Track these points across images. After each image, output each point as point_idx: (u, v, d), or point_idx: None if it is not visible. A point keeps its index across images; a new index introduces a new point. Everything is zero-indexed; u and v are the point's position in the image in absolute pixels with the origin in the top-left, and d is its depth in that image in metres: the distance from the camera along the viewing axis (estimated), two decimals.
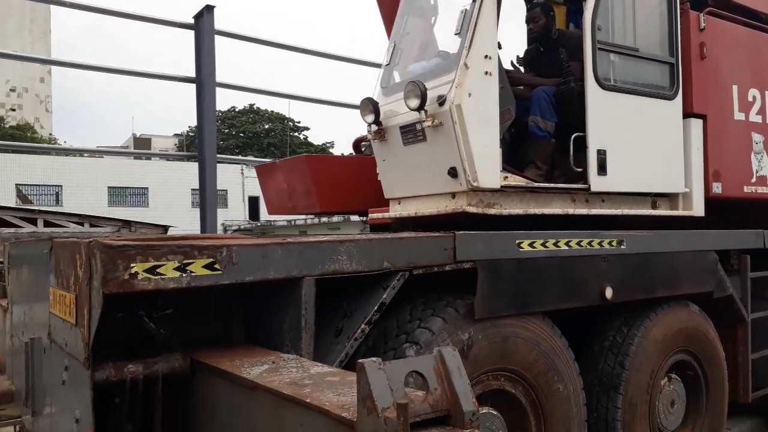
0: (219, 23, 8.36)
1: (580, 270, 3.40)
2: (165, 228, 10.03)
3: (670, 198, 4.39)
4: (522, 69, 4.58)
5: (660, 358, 3.80)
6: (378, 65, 4.54)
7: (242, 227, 34.21)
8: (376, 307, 2.63)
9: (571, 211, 3.86)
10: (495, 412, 2.98)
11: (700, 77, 4.36)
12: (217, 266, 2.14)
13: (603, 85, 3.87)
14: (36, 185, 36.54)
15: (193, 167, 9.58)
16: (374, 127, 4.03)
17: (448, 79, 3.51)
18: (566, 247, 3.32)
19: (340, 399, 1.58)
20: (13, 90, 60.73)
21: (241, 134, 51.02)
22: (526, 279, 3.16)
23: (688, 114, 4.32)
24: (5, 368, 4.30)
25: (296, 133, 52.70)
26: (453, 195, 3.65)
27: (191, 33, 8.40)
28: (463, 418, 1.43)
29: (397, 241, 2.77)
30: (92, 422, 1.98)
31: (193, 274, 2.08)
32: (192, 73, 8.47)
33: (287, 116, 51.02)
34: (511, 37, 4.45)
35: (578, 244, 3.38)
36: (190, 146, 40.38)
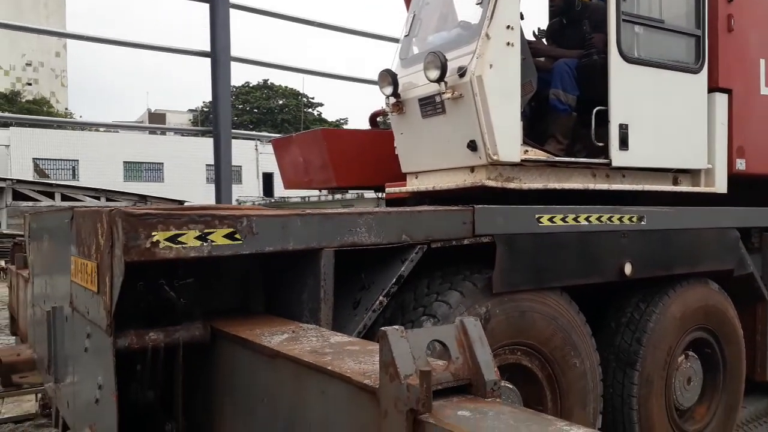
0: None
1: (599, 245, 3.37)
2: (181, 203, 10.08)
3: (692, 174, 4.32)
4: (543, 41, 4.49)
5: (677, 335, 3.78)
6: (395, 40, 4.48)
7: (256, 203, 34.40)
8: (394, 280, 2.63)
9: (591, 186, 3.81)
10: (511, 386, 2.99)
11: (726, 50, 4.25)
12: (237, 236, 2.14)
13: (627, 57, 3.79)
14: (53, 159, 36.91)
15: (208, 143, 9.60)
16: (392, 100, 3.99)
17: (469, 49, 3.45)
18: (586, 223, 3.29)
19: (361, 367, 1.58)
20: (29, 64, 61.06)
21: (255, 110, 51.01)
22: (544, 254, 3.14)
23: (713, 88, 4.23)
24: (27, 338, 4.39)
25: (310, 109, 52.59)
26: (472, 169, 3.61)
27: (206, 6, 8.34)
28: (484, 387, 1.42)
29: (415, 214, 2.75)
30: (115, 388, 2.00)
31: (213, 243, 2.09)
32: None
33: (301, 92, 50.85)
34: (533, 8, 4.35)
35: (598, 219, 3.35)
36: (205, 122, 40.47)
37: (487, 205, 2.99)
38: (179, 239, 2.01)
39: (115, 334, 2.02)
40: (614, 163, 3.81)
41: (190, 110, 55.32)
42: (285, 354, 1.78)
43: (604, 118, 3.80)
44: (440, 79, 3.47)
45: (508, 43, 3.47)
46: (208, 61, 8.47)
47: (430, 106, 3.72)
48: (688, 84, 4.12)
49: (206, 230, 2.07)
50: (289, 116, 49.72)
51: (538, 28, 4.57)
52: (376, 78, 4.05)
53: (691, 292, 3.86)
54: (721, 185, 4.32)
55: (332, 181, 4.99)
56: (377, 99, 4.14)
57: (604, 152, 3.82)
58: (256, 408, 1.97)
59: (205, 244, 2.07)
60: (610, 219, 3.40)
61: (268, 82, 52.02)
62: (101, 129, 37.81)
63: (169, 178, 38.93)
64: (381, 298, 2.59)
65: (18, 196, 24.76)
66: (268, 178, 39.47)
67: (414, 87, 3.88)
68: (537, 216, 3.11)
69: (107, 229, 2.03)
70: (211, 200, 9.65)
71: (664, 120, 4.01)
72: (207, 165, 35.99)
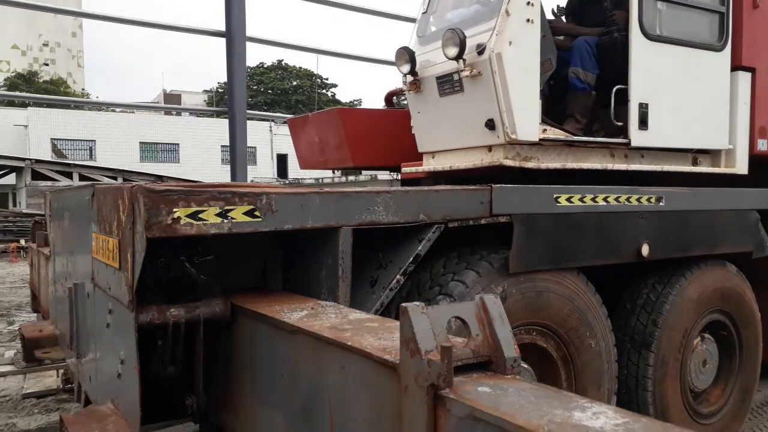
0: None
1: (616, 226, 3.35)
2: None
3: (712, 154, 4.26)
4: (563, 18, 4.42)
5: (694, 317, 3.76)
6: (411, 19, 4.43)
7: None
8: (411, 259, 2.63)
9: (609, 166, 3.77)
10: (526, 366, 3.00)
11: (751, 28, 4.16)
12: (257, 213, 2.15)
13: (648, 35, 3.72)
14: (70, 140, 37.22)
15: (223, 124, 9.63)
16: (409, 78, 3.96)
17: (488, 26, 3.41)
18: (604, 203, 3.26)
19: (380, 343, 1.59)
20: (45, 44, 61.36)
21: (270, 91, 50.95)
22: (562, 234, 3.12)
23: (736, 67, 4.14)
24: (49, 315, 4.47)
25: (324, 90, 52.41)
26: (489, 148, 3.59)
27: None
28: (504, 364, 1.43)
29: (433, 193, 2.75)
30: (137, 362, 2.04)
31: (234, 220, 2.10)
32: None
33: (315, 73, 50.64)
34: None
35: (616, 199, 3.32)
36: (220, 102, 40.51)
37: (504, 184, 2.98)
38: (200, 216, 2.03)
39: (137, 309, 2.05)
40: (633, 143, 3.77)
41: (205, 91, 55.40)
42: (305, 330, 1.80)
43: (623, 97, 3.74)
44: (459, 57, 3.43)
45: (528, 20, 3.42)
46: (223, 41, 8.44)
47: (448, 84, 3.69)
48: (710, 62, 4.04)
49: (226, 207, 2.09)
50: (303, 97, 49.61)
51: (558, 6, 4.49)
52: (390, 59, 4.02)
53: (708, 274, 3.83)
54: (741, 166, 4.25)
55: (348, 160, 4.99)
56: (391, 80, 4.12)
57: (623, 132, 3.77)
58: (275, 383, 2.00)
59: (225, 221, 2.08)
60: (628, 199, 3.37)
61: (283, 62, 51.87)
62: (117, 110, 37.99)
63: (184, 159, 39.15)
64: (398, 276, 2.59)
65: (37, 176, 25.07)
66: (282, 160, 39.55)
67: (432, 65, 3.85)
68: (555, 196, 3.09)
69: (129, 206, 2.05)
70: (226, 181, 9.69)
71: (685, 99, 3.95)
72: (222, 146, 36.09)
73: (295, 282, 2.54)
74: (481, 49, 3.39)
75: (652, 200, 3.49)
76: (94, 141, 37.52)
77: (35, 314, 5.77)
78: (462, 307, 1.50)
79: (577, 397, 1.28)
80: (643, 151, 3.93)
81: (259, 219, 2.16)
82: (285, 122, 7.43)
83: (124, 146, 37.17)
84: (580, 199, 3.18)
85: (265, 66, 51.56)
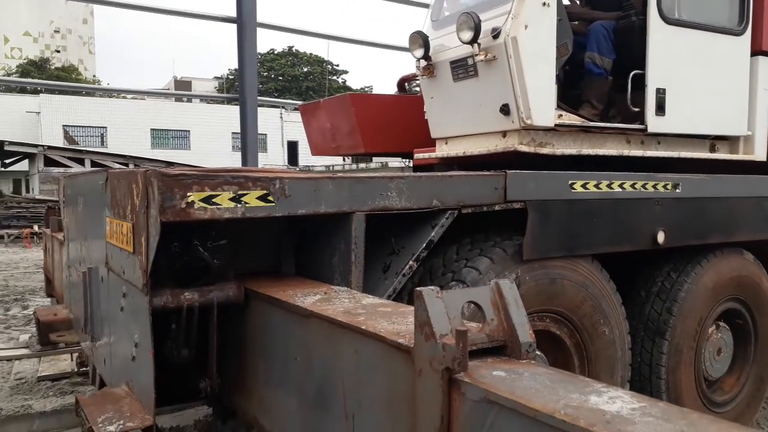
0: None
1: (632, 213, 3.31)
2: None
3: (730, 141, 4.19)
4: (579, 3, 4.35)
5: (709, 305, 3.72)
6: (424, 5, 4.38)
7: None
8: (424, 245, 2.62)
9: (625, 152, 3.73)
10: (539, 353, 2.99)
11: None
12: (270, 198, 2.15)
13: (666, 19, 3.65)
14: (82, 126, 37.44)
15: (234, 111, 9.62)
16: (423, 63, 3.92)
17: (504, 10, 3.36)
18: (620, 189, 3.22)
19: (394, 327, 1.58)
20: (57, 31, 61.57)
21: (280, 77, 50.87)
22: (576, 221, 3.09)
23: (756, 52, 4.06)
24: (63, 299, 4.51)
25: (335, 77, 52.22)
26: (504, 134, 3.55)
27: None
28: (519, 349, 1.42)
29: (447, 179, 2.72)
30: (151, 346, 2.05)
31: (247, 205, 2.10)
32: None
33: (326, 59, 50.47)
34: None
35: (632, 186, 3.27)
36: (230, 89, 40.49)
37: (519, 170, 2.95)
38: (214, 200, 2.02)
39: (151, 293, 2.05)
40: (650, 129, 3.71)
41: (216, 78, 55.40)
42: (318, 314, 1.79)
43: (640, 83, 3.68)
44: (473, 41, 3.39)
45: (544, 4, 3.36)
46: (233, 27, 8.42)
47: (462, 68, 3.65)
48: (729, 47, 3.96)
49: (240, 192, 2.08)
50: (314, 84, 49.49)
51: None
52: (402, 44, 3.98)
53: (724, 262, 3.79)
54: (760, 153, 4.19)
55: (360, 147, 4.96)
56: (402, 66, 4.08)
57: (640, 118, 3.72)
58: (288, 366, 2.00)
59: (238, 205, 2.08)
60: (644, 186, 3.33)
61: (293, 48, 51.72)
62: (128, 96, 38.10)
63: (195, 146, 39.27)
64: (411, 262, 2.58)
65: (49, 162, 25.25)
66: (292, 147, 39.53)
67: (446, 49, 3.80)
68: (570, 182, 3.05)
69: (143, 190, 2.05)
70: None
71: (703, 84, 3.88)
72: (233, 133, 36.16)
73: (307, 267, 2.54)
74: (496, 33, 3.35)
75: (669, 187, 3.44)
76: (106, 128, 37.72)
77: (49, 299, 5.83)
78: (477, 291, 1.48)
79: (593, 382, 1.27)
80: (660, 138, 3.87)
81: (273, 204, 2.15)
82: (295, 109, 7.42)
83: (135, 133, 37.34)
84: (596, 186, 3.14)
85: (276, 52, 51.44)
